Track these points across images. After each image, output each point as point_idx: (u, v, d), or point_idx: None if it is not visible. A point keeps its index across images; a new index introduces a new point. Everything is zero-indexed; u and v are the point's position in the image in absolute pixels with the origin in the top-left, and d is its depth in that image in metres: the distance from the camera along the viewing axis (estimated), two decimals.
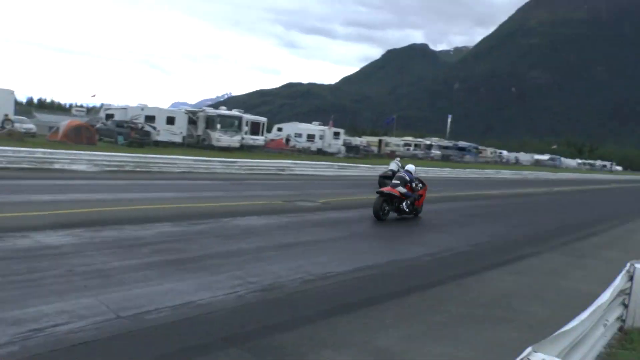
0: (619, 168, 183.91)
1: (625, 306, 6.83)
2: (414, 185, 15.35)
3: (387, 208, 14.71)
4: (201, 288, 6.71)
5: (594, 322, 5.17)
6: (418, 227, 13.91)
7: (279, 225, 12.03)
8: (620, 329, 6.79)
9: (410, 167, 16.39)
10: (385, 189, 14.98)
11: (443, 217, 16.67)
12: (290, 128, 57.49)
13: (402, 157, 65.81)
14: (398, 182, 15.13)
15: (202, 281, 7.03)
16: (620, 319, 6.79)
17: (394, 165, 23.70)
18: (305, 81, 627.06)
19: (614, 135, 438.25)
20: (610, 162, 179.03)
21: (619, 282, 6.34)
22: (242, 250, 9.12)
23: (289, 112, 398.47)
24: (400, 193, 14.76)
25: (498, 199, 26.17)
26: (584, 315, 4.73)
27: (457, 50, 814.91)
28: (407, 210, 15.23)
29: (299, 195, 18.72)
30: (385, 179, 22.23)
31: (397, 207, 14.98)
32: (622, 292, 6.64)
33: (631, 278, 6.79)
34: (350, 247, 10.34)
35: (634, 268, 6.82)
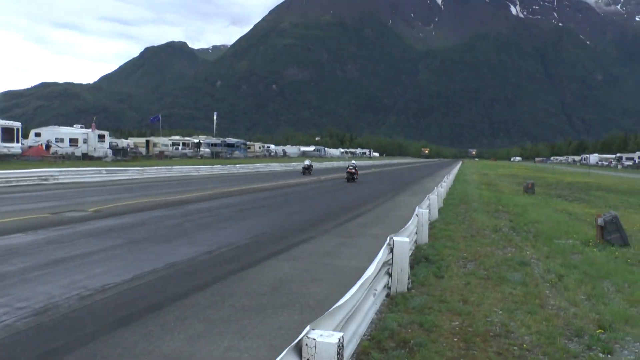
0: (376, 154, 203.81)
1: (390, 275, 7.68)
2: (357, 168, 37.52)
3: (351, 177, 35.83)
4: None
5: (364, 293, 5.72)
6: (193, 226, 13.88)
7: (48, 240, 11.12)
8: (388, 295, 7.62)
9: (353, 162, 40.53)
10: (349, 170, 36.27)
11: (219, 214, 16.85)
12: (50, 133, 53.75)
13: (172, 157, 65.52)
14: (352, 167, 36.58)
15: None
16: (387, 286, 7.61)
17: (307, 162, 46.26)
18: (61, 80, 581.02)
19: (369, 126, 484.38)
20: (368, 150, 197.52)
21: (382, 255, 7.08)
22: (7, 273, 8.26)
23: (47, 115, 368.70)
24: (354, 172, 36.16)
25: (270, 191, 27.16)
26: (354, 288, 5.22)
27: (216, 48, 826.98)
28: (355, 178, 36.41)
29: (67, 205, 17.54)
30: (304, 169, 44.64)
31: (353, 178, 35.94)
32: (385, 264, 7.44)
33: (392, 250, 7.65)
34: (128, 255, 9.96)
35: (393, 241, 7.69)
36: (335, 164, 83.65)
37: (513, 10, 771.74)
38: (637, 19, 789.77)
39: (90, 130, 53.62)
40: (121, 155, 56.28)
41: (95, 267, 8.87)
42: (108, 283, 7.93)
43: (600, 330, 6.45)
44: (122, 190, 24.45)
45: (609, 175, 69.20)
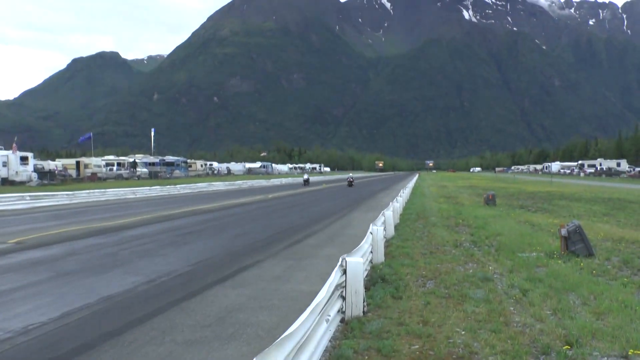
0: (327, 169, 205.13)
1: (343, 298, 7.64)
2: (353, 179, 66.49)
3: (350, 184, 62.16)
4: None
5: (315, 320, 5.66)
6: (131, 255, 13.54)
7: None
8: (342, 320, 7.57)
9: (351, 174, 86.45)
10: (349, 180, 63.85)
11: (159, 240, 16.51)
12: None
13: (106, 179, 64.31)
14: (351, 178, 65.21)
15: None
16: (341, 311, 7.56)
17: (305, 176, 68.49)
18: None
19: (318, 138, 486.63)
20: (319, 165, 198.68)
21: (334, 277, 7.04)
22: None
23: None
24: (352, 181, 63.90)
25: (214, 212, 26.88)
26: (304, 315, 5.15)
27: (152, 59, 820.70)
28: (353, 185, 62.61)
29: None
30: (305, 181, 64.83)
31: (351, 184, 62.17)
32: (339, 286, 7.40)
33: (345, 271, 7.61)
34: (56, 290, 9.58)
35: (346, 262, 7.66)
36: (284, 180, 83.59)
37: (466, 14, 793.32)
38: (590, 23, 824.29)
39: (10, 151, 52.12)
40: (48, 179, 54.97)
41: (16, 306, 8.50)
42: (32, 323, 7.60)
43: (567, 347, 6.56)
44: (50, 218, 23.74)
45: (572, 184, 71.31)
